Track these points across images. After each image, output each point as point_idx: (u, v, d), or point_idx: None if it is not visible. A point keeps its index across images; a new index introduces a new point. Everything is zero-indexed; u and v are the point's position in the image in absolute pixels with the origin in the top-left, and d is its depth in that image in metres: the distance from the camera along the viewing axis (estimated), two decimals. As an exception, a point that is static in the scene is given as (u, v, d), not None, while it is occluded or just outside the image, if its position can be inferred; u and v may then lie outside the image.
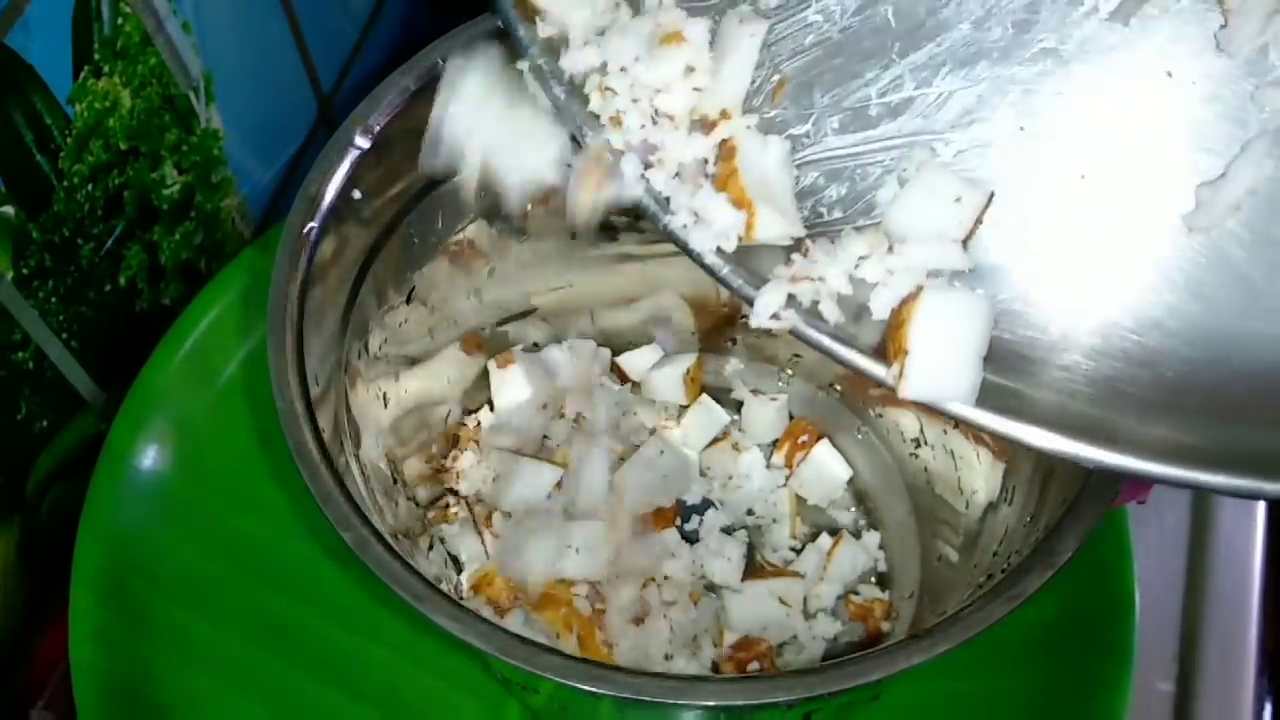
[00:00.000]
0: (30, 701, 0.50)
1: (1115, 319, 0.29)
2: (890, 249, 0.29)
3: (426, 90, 0.40)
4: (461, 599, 0.45)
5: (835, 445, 0.52)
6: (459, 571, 0.49)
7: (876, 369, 0.28)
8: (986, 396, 0.27)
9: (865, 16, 0.30)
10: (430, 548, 0.48)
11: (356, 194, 0.40)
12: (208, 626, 0.47)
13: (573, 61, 0.29)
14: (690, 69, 0.28)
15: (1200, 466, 0.26)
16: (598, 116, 0.29)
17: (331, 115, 0.60)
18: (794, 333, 0.29)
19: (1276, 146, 0.28)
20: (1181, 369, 0.28)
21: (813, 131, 0.30)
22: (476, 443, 0.51)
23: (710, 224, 0.28)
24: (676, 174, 0.28)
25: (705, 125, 0.28)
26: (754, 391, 0.54)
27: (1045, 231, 0.29)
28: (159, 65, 0.46)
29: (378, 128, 0.40)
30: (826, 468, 0.52)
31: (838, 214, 0.30)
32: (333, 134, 0.40)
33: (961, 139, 0.29)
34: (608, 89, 0.28)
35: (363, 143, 0.39)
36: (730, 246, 0.28)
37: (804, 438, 0.53)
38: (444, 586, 0.36)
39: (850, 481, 0.52)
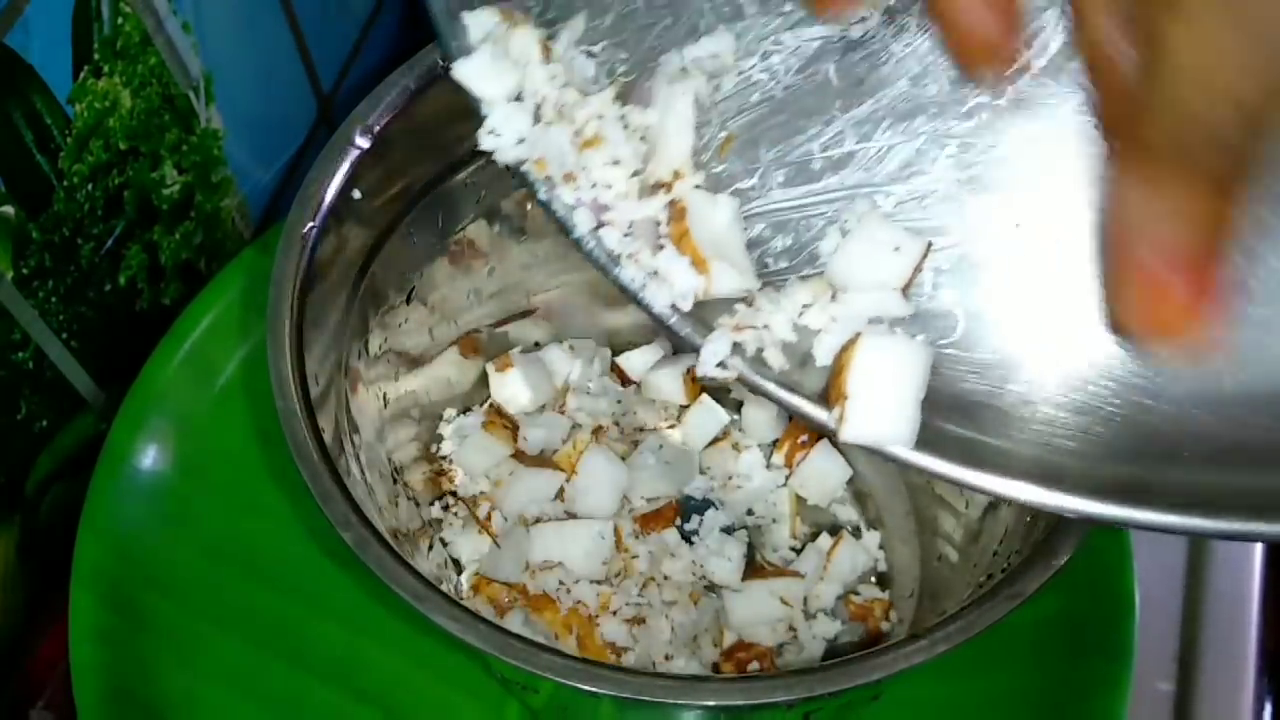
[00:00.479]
0: (30, 701, 0.50)
1: (1077, 369, 0.29)
2: (833, 297, 0.29)
3: (427, 90, 0.40)
4: (461, 599, 0.45)
5: (835, 445, 0.52)
6: (459, 571, 0.49)
7: (819, 414, 0.29)
8: (956, 448, 0.28)
9: (808, 74, 0.31)
10: (430, 548, 0.48)
11: (356, 194, 0.40)
12: (207, 626, 0.48)
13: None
14: (616, 162, 0.29)
15: (1171, 510, 0.27)
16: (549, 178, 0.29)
17: (331, 115, 0.60)
18: (740, 380, 0.29)
19: None
20: (1140, 416, 0.28)
21: (759, 185, 0.31)
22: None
23: (670, 283, 0.28)
24: (628, 234, 0.29)
25: (655, 187, 0.29)
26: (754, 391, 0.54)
27: (995, 279, 0.30)
28: (159, 65, 0.46)
29: (378, 128, 0.40)
30: (826, 467, 0.52)
31: (783, 264, 0.30)
32: (333, 134, 0.40)
33: (901, 190, 0.30)
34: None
35: (363, 143, 0.39)
36: (687, 306, 0.29)
37: (804, 437, 0.53)
38: (444, 586, 0.36)
39: (850, 481, 0.52)
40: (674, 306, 0.29)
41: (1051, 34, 0.29)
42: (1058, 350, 0.29)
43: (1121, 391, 0.29)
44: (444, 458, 0.51)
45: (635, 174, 0.29)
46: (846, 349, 0.29)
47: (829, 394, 0.29)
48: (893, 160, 0.30)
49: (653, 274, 0.29)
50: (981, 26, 0.27)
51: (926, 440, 0.28)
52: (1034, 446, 0.28)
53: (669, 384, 0.53)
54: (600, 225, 0.29)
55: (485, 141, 0.29)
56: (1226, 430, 0.28)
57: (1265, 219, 0.27)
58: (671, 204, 0.29)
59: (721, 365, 0.29)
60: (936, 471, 0.28)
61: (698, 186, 0.29)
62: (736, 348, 0.29)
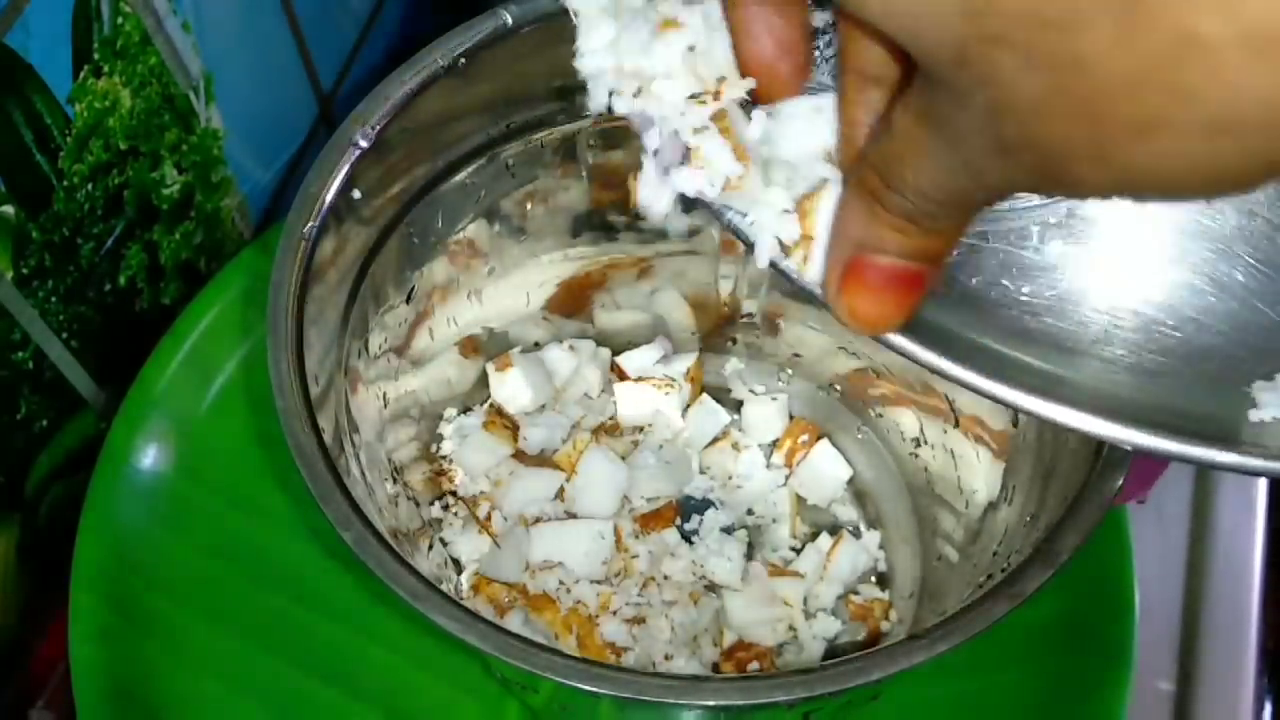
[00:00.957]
0: (30, 701, 0.50)
1: (1158, 315, 0.30)
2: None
3: (427, 90, 0.40)
4: (461, 599, 0.45)
5: (835, 445, 0.52)
6: (459, 571, 0.49)
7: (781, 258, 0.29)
8: (1033, 382, 0.28)
9: None
10: (430, 547, 0.48)
11: (356, 194, 0.40)
12: (208, 626, 0.47)
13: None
14: (692, 47, 0.29)
15: (1231, 449, 0.27)
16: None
17: (331, 115, 0.60)
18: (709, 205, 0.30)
19: None
20: (1222, 363, 0.29)
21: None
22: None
23: (711, 165, 0.29)
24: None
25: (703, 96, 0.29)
26: (754, 391, 0.54)
27: (1087, 229, 0.31)
28: (159, 65, 0.46)
29: (378, 128, 0.40)
30: (826, 467, 0.52)
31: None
32: (333, 134, 0.40)
33: None
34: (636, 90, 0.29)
35: (363, 143, 0.39)
36: (714, 193, 0.29)
37: (804, 437, 0.53)
38: (444, 586, 0.36)
39: (850, 481, 0.52)
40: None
41: None
42: (1137, 297, 0.30)
43: (1193, 337, 0.29)
44: (444, 457, 0.51)
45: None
46: (808, 197, 0.29)
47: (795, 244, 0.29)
48: None
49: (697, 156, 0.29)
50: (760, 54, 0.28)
51: (995, 369, 0.28)
52: (1102, 384, 0.29)
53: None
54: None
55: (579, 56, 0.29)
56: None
57: None
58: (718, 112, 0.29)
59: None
60: (992, 392, 0.28)
61: (737, 100, 0.29)
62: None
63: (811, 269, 0.29)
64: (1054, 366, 0.29)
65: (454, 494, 0.50)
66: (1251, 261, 0.30)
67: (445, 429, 0.51)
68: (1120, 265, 0.30)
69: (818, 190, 0.29)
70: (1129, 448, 0.28)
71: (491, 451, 0.50)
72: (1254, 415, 0.28)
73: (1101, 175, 0.20)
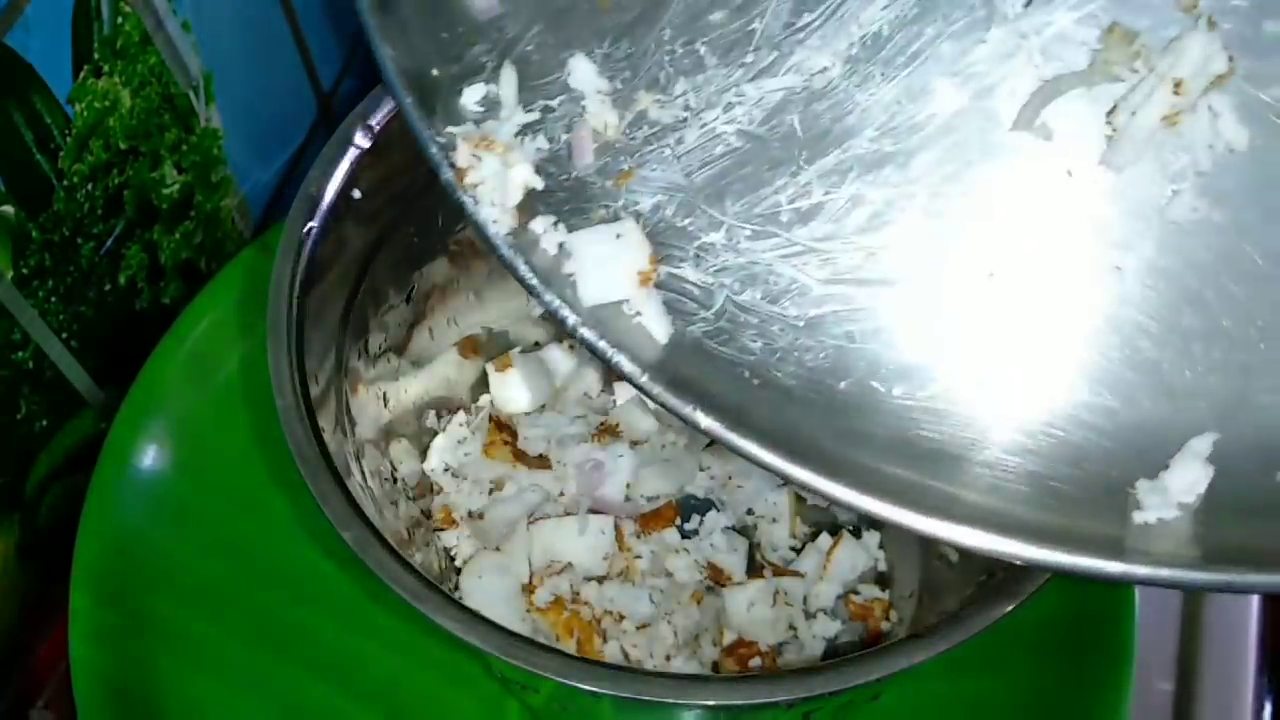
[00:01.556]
0: (30, 701, 0.50)
1: (1038, 415, 0.29)
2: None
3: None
4: (461, 599, 0.45)
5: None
6: (458, 572, 0.49)
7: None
8: (912, 495, 0.27)
9: (772, 126, 0.30)
10: (429, 547, 0.48)
11: (356, 194, 0.40)
12: (207, 626, 0.47)
13: None
14: None
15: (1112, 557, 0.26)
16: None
17: (331, 115, 0.60)
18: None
19: (1167, 249, 0.29)
20: (1105, 463, 0.28)
21: (726, 239, 0.30)
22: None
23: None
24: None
25: None
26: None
27: (962, 329, 0.30)
28: (159, 65, 0.46)
29: (378, 128, 0.40)
30: (826, 467, 0.52)
31: (752, 318, 0.30)
32: (333, 134, 0.40)
33: (871, 241, 0.30)
34: None
35: (363, 142, 0.39)
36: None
37: (804, 437, 0.53)
38: (444, 586, 0.36)
39: (850, 481, 0.52)
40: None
41: (1017, 82, 0.29)
42: (1016, 397, 0.29)
43: (1103, 442, 0.28)
44: (438, 484, 0.50)
45: None
46: None
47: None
48: (861, 211, 0.30)
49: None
50: None
51: (872, 483, 0.27)
52: (982, 493, 0.28)
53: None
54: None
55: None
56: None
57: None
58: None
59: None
60: (878, 513, 0.27)
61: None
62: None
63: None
64: (933, 477, 0.28)
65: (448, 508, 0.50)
66: (1130, 348, 0.29)
67: (436, 453, 0.50)
68: (997, 364, 0.29)
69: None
70: (1017, 562, 0.27)
71: (492, 469, 0.50)
72: (1138, 518, 0.27)
73: None
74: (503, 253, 0.29)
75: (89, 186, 0.45)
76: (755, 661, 0.47)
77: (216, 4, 0.48)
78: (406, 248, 0.44)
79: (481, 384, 0.52)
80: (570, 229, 0.30)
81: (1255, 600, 0.53)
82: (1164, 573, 0.26)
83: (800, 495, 0.52)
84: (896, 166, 0.30)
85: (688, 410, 0.28)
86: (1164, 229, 0.29)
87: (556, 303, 0.29)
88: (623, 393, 0.53)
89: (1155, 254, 0.29)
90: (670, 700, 0.33)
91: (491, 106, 0.30)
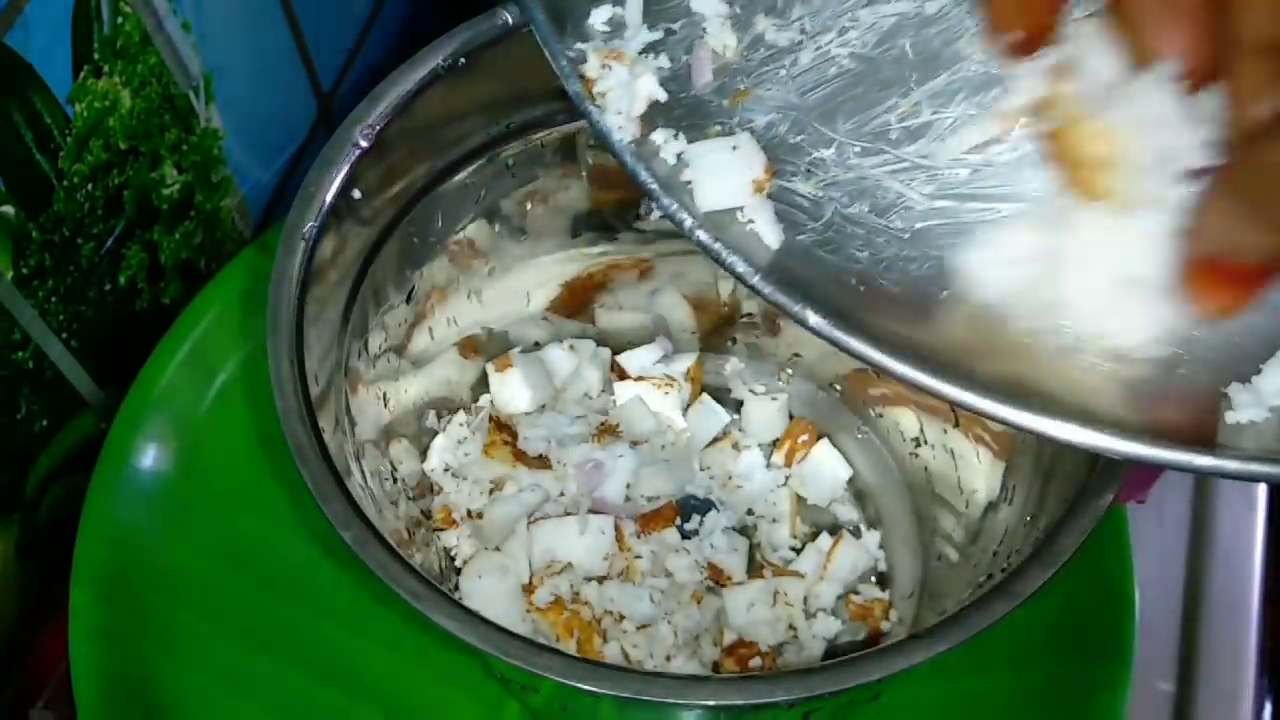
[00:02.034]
0: (30, 701, 0.50)
1: (1138, 327, 0.30)
2: None
3: (427, 90, 0.40)
4: (461, 599, 0.45)
5: (835, 445, 0.52)
6: (458, 572, 0.49)
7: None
8: (1010, 392, 0.29)
9: (885, 49, 0.32)
10: (429, 547, 0.48)
11: (356, 194, 0.40)
12: (208, 626, 0.47)
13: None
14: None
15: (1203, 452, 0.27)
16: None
17: (331, 115, 0.60)
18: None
19: None
20: (1201, 370, 0.29)
21: (836, 155, 0.32)
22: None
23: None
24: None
25: None
26: (754, 391, 0.54)
27: (1060, 246, 0.31)
28: (159, 65, 0.46)
29: (378, 128, 0.40)
30: (826, 467, 0.52)
31: (859, 229, 0.32)
32: (333, 134, 0.40)
33: (976, 159, 0.31)
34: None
35: (363, 143, 0.39)
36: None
37: (804, 437, 0.53)
38: (444, 586, 0.36)
39: (850, 481, 0.52)
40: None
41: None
42: (1115, 310, 0.30)
43: (1171, 346, 0.29)
44: (439, 484, 0.50)
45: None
46: None
47: None
48: (969, 130, 0.31)
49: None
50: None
51: (971, 380, 0.28)
52: (1079, 395, 0.29)
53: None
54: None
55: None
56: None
57: None
58: None
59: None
60: (981, 408, 0.28)
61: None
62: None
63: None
64: (1031, 379, 0.29)
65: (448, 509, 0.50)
66: None
67: (436, 453, 0.50)
68: (1091, 275, 0.30)
69: None
70: (1107, 454, 0.28)
71: (492, 469, 0.50)
72: (1230, 418, 0.28)
73: None
74: (625, 159, 0.31)
75: (89, 186, 0.45)
76: (755, 661, 0.47)
77: (216, 4, 0.48)
78: (406, 248, 0.44)
79: (481, 384, 0.52)
80: (689, 141, 0.31)
81: (1255, 601, 0.53)
82: (1255, 467, 0.27)
83: (800, 495, 0.52)
84: (1004, 89, 0.31)
85: (797, 308, 0.29)
86: None
87: (674, 206, 0.30)
88: (623, 393, 0.53)
89: None
90: (670, 700, 0.33)
91: (617, 27, 0.32)
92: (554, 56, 0.31)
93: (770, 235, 0.31)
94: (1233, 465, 0.27)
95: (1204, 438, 0.28)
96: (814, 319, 0.29)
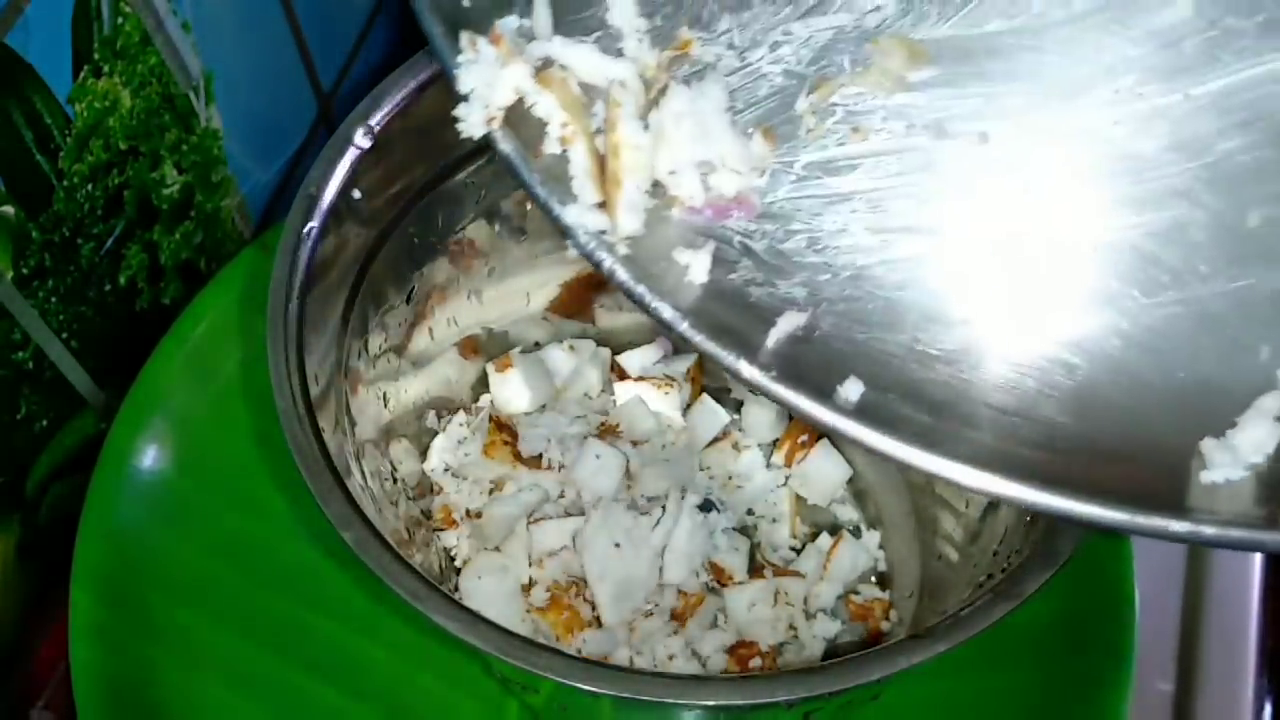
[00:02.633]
0: (30, 701, 0.50)
1: (1055, 354, 0.28)
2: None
3: (427, 90, 0.40)
4: (461, 599, 0.45)
5: (835, 445, 0.52)
6: (458, 572, 0.49)
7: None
8: (923, 436, 0.26)
9: (821, 66, 0.29)
10: (429, 547, 0.48)
11: (356, 194, 0.40)
12: (208, 626, 0.47)
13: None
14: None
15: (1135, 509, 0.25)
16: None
17: (331, 115, 0.60)
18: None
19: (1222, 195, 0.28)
20: (1169, 425, 0.27)
21: (767, 184, 0.29)
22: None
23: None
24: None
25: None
26: (754, 391, 0.54)
27: (1011, 283, 0.29)
28: (159, 65, 0.46)
29: (378, 128, 0.40)
30: (826, 467, 0.52)
31: (797, 258, 0.29)
32: (333, 134, 0.40)
33: (907, 183, 0.29)
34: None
35: (363, 143, 0.39)
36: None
37: (804, 437, 0.53)
38: (444, 587, 0.36)
39: (850, 481, 0.52)
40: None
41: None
42: (1021, 336, 0.28)
43: (1132, 397, 0.28)
44: (439, 484, 0.50)
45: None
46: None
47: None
48: (914, 157, 0.29)
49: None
50: None
51: (887, 422, 0.26)
52: (1039, 451, 0.27)
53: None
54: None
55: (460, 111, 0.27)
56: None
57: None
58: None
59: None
60: (895, 455, 0.26)
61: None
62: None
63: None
64: (989, 429, 0.27)
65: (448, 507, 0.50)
66: (1184, 299, 0.28)
67: (436, 453, 0.50)
68: (1041, 318, 0.28)
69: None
70: (1072, 520, 0.25)
71: (492, 469, 0.50)
72: (1205, 477, 0.26)
73: None
74: (536, 191, 0.27)
75: (89, 186, 0.45)
76: (755, 661, 0.47)
77: (217, 4, 0.48)
78: (406, 248, 0.44)
79: (481, 384, 0.52)
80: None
81: (1255, 601, 0.53)
82: (1233, 533, 0.25)
83: (800, 495, 0.52)
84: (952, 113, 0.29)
85: (730, 359, 0.26)
86: (1229, 181, 0.28)
87: (593, 245, 0.27)
88: (623, 393, 0.53)
89: (1222, 206, 0.28)
90: (670, 700, 0.33)
91: (524, 37, 0.28)
92: (451, 78, 0.28)
93: (698, 270, 0.28)
94: (1209, 531, 0.25)
95: (1172, 500, 0.26)
96: (747, 370, 0.26)
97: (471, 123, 0.27)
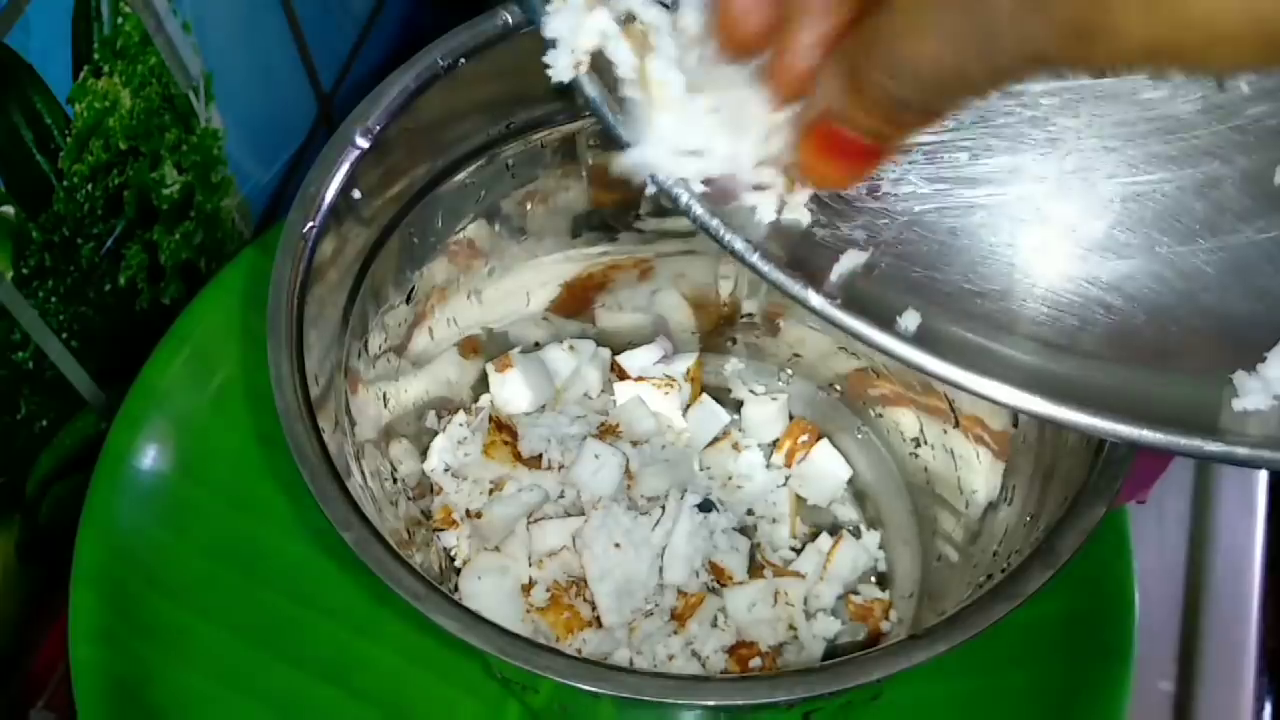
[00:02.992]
0: (30, 701, 0.50)
1: (1094, 294, 0.30)
2: None
3: (427, 90, 0.40)
4: (461, 599, 0.45)
5: (835, 445, 0.52)
6: (458, 572, 0.49)
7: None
8: (975, 363, 0.28)
9: None
10: (429, 547, 0.48)
11: (356, 194, 0.40)
12: (208, 626, 0.47)
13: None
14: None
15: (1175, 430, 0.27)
16: None
17: (331, 115, 0.60)
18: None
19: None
20: (1205, 357, 0.29)
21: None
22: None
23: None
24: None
25: None
26: (754, 391, 0.54)
27: (1060, 230, 0.31)
28: (159, 65, 0.46)
29: (378, 128, 0.40)
30: (826, 467, 0.52)
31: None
32: (333, 134, 0.40)
33: (976, 142, 0.31)
34: None
35: (363, 143, 0.39)
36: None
37: (804, 437, 0.53)
38: (443, 587, 0.36)
39: (850, 481, 0.52)
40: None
41: None
42: (1061, 280, 0.30)
43: (1174, 333, 0.30)
44: (438, 484, 0.50)
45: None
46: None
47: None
48: (962, 117, 0.31)
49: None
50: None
51: (943, 349, 0.28)
52: (1040, 366, 0.29)
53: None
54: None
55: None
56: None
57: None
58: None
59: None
60: (952, 378, 0.28)
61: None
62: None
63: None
64: (1034, 358, 0.29)
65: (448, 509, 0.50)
66: (1216, 248, 0.30)
67: (436, 453, 0.50)
68: (1088, 250, 0.30)
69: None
70: (1112, 439, 0.27)
71: (491, 469, 0.50)
72: (1236, 404, 0.28)
73: (1144, 28, 0.19)
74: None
75: (89, 187, 0.45)
76: (755, 661, 0.47)
77: (217, 4, 0.48)
78: (406, 248, 0.44)
79: (481, 384, 0.52)
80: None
81: (1255, 601, 0.53)
82: (1265, 454, 0.27)
83: (800, 495, 0.52)
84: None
85: (797, 288, 0.28)
86: (1258, 142, 0.30)
87: (671, 182, 0.28)
88: (623, 393, 0.53)
89: (1251, 165, 0.30)
90: (670, 700, 0.33)
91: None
92: (539, 24, 0.28)
93: (766, 209, 0.30)
94: (1242, 452, 0.27)
95: (1205, 424, 0.28)
96: (815, 299, 0.28)
97: (559, 67, 0.28)
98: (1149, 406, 0.28)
